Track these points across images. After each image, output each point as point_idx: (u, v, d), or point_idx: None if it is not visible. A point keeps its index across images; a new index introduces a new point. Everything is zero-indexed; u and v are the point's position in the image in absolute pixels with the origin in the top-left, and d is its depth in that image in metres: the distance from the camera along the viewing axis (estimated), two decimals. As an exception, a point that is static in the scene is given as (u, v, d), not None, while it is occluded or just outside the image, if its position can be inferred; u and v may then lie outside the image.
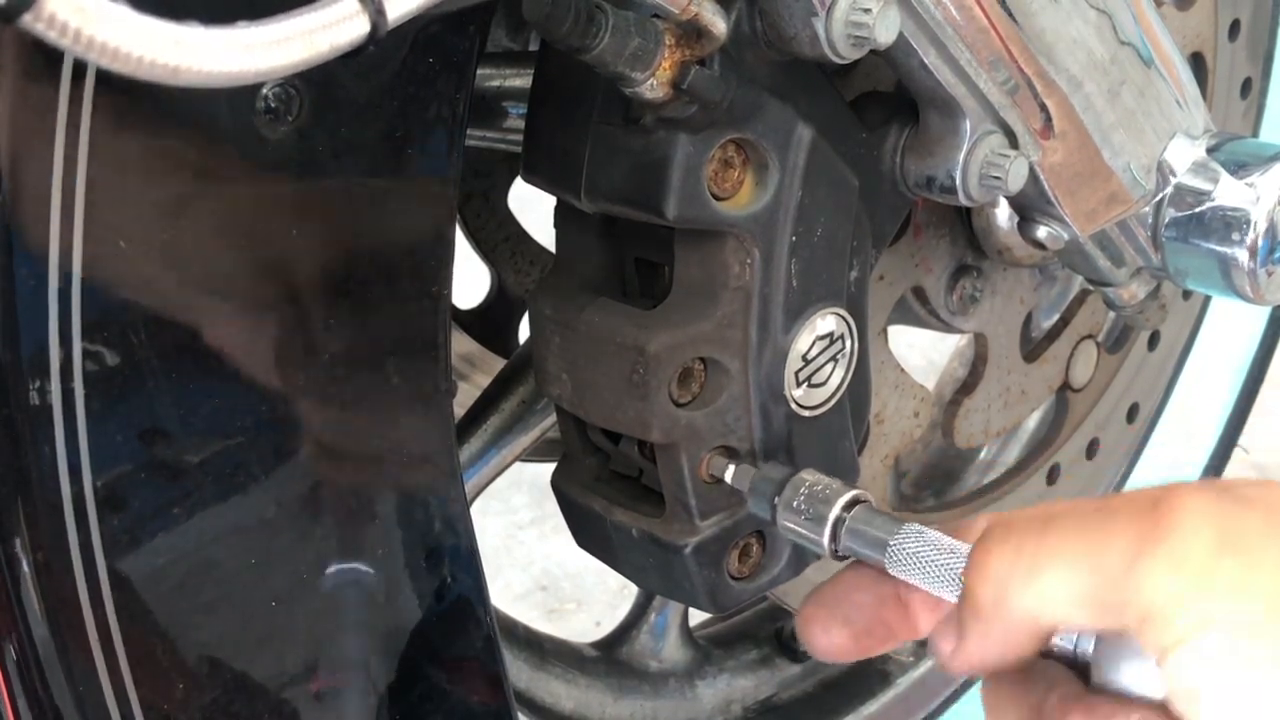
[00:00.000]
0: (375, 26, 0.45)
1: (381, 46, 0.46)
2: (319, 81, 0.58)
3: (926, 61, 0.69)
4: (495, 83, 0.87)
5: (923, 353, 1.82)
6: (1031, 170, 0.75)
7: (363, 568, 0.67)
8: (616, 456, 0.78)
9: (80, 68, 0.52)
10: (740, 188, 0.68)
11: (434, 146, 0.64)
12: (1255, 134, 1.19)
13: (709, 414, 0.72)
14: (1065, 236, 0.81)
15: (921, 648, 1.21)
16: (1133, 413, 1.22)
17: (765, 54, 0.66)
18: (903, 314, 0.93)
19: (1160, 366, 1.24)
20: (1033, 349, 1.05)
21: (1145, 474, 1.32)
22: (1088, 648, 0.57)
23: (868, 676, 1.18)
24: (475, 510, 0.74)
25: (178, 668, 0.61)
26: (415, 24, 0.60)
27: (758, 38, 0.65)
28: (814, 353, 0.73)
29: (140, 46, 0.38)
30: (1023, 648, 0.54)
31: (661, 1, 0.60)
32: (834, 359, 0.75)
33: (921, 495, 1.23)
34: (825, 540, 0.67)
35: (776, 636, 1.16)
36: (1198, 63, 1.05)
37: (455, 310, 1.12)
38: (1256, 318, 1.37)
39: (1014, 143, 0.74)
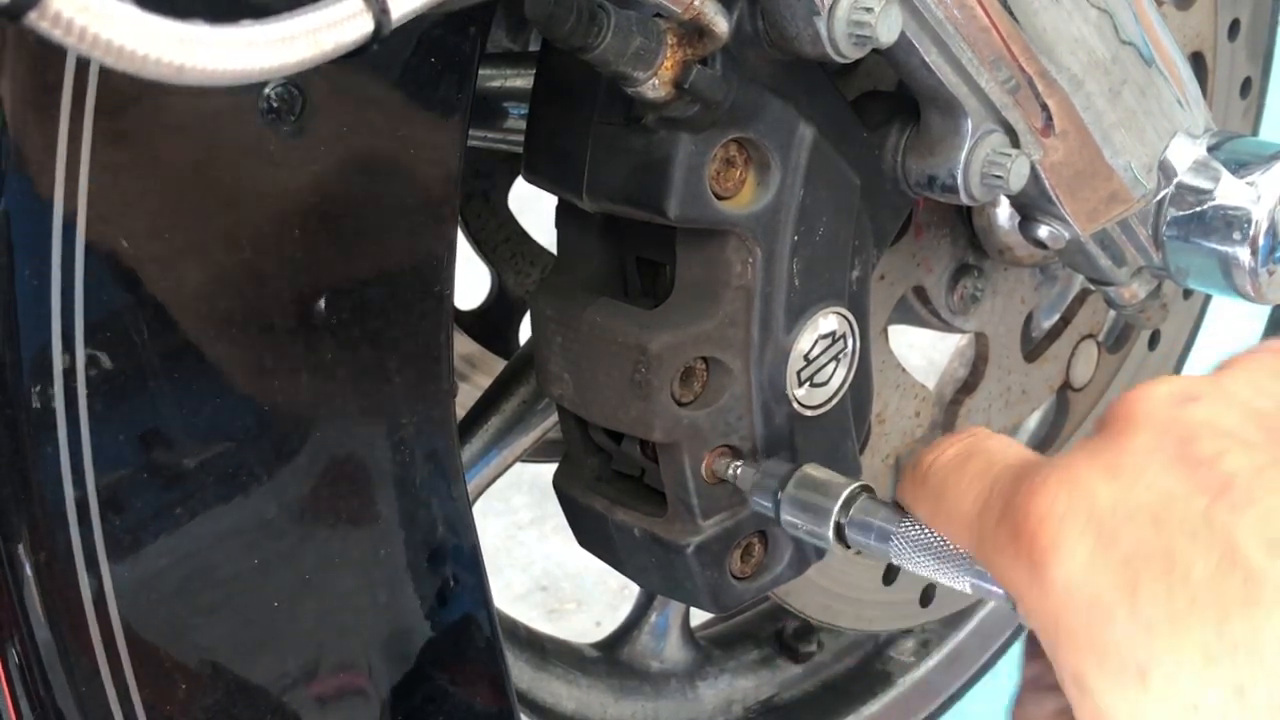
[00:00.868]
0: (379, 26, 0.45)
1: (384, 46, 0.46)
2: (321, 81, 0.58)
3: (928, 61, 0.69)
4: (496, 83, 0.87)
5: (923, 352, 1.82)
6: (1033, 169, 0.75)
7: (365, 569, 0.67)
8: (618, 456, 0.78)
9: (84, 67, 0.52)
10: (742, 187, 0.68)
11: (436, 146, 0.64)
12: (1255, 133, 1.19)
13: (711, 413, 0.72)
14: (1066, 236, 0.81)
15: (924, 648, 1.21)
16: (1133, 412, 1.21)
17: (767, 53, 0.66)
18: (904, 313, 0.93)
19: (1161, 366, 1.24)
20: (1033, 349, 1.05)
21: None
22: None
23: (869, 677, 1.18)
24: (475, 510, 0.74)
25: (180, 669, 0.61)
26: (418, 24, 0.60)
27: (759, 37, 0.65)
28: (816, 352, 0.73)
29: (145, 45, 0.38)
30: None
31: (663, 1, 0.60)
32: (836, 358, 0.75)
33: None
34: (829, 533, 0.67)
35: (778, 637, 1.16)
36: (1198, 62, 1.05)
37: (456, 311, 1.12)
38: (1257, 317, 1.36)
39: (1015, 142, 0.74)
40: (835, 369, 0.75)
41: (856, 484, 0.67)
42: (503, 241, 1.18)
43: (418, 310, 0.66)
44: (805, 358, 0.73)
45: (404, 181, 0.63)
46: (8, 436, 0.55)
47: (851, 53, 0.64)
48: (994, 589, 0.60)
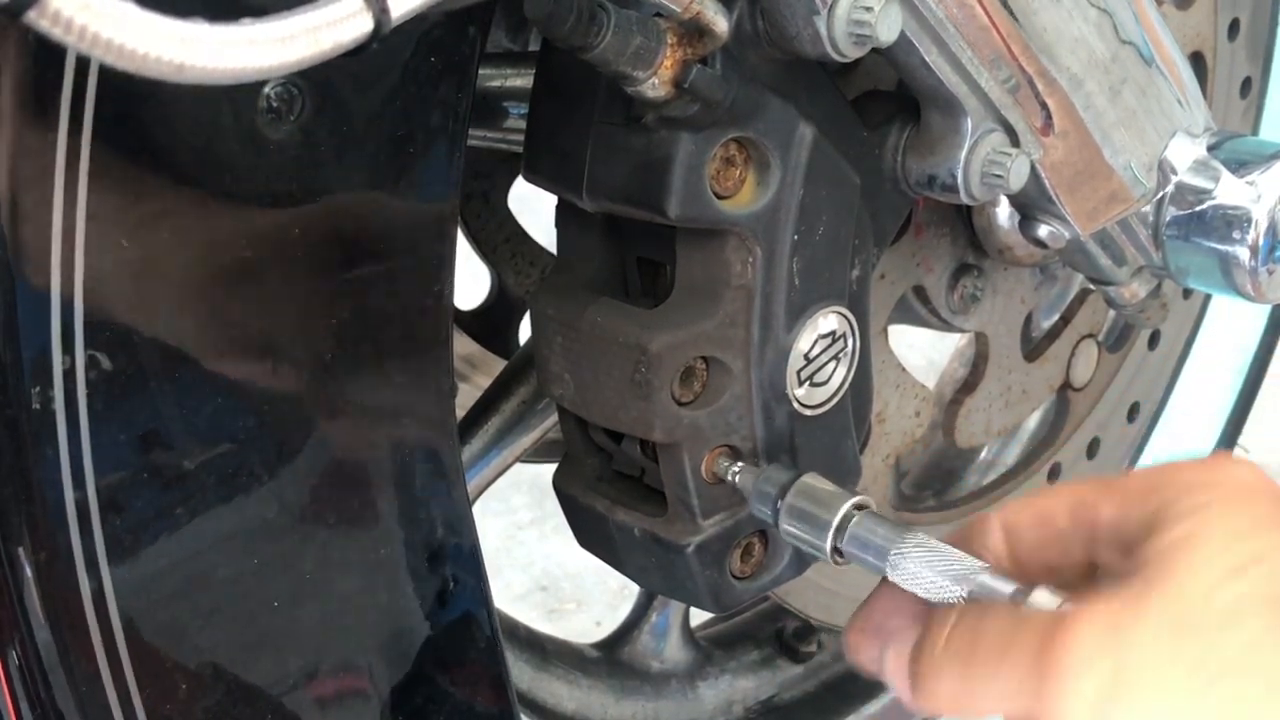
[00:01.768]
0: (378, 25, 0.44)
1: (384, 45, 0.46)
2: (321, 81, 0.58)
3: (928, 60, 0.69)
4: (496, 83, 0.87)
5: (923, 352, 1.82)
6: (1032, 169, 0.75)
7: (365, 569, 0.67)
8: (618, 456, 0.78)
9: (83, 66, 0.52)
10: (742, 186, 0.68)
11: (435, 146, 0.64)
12: (1255, 133, 1.19)
13: (711, 413, 0.72)
14: (1066, 235, 0.81)
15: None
16: (1133, 412, 1.22)
17: (767, 53, 0.66)
18: (904, 313, 0.93)
19: (1161, 366, 1.24)
20: (1033, 348, 1.05)
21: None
22: None
23: (869, 677, 1.18)
24: (475, 510, 0.73)
25: (180, 670, 0.61)
26: (417, 24, 0.60)
27: (759, 36, 0.65)
28: (816, 351, 0.73)
29: (145, 43, 0.38)
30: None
31: (663, 0, 0.60)
32: (836, 358, 0.75)
33: (922, 495, 1.23)
34: (828, 547, 0.67)
35: (778, 637, 1.16)
36: (1198, 62, 1.05)
37: (456, 311, 1.12)
38: (1257, 317, 1.37)
39: (1015, 141, 0.74)
40: (835, 368, 0.75)
41: (855, 498, 0.67)
42: (503, 241, 1.18)
43: (417, 310, 0.65)
44: (805, 357, 0.73)
45: (404, 181, 0.63)
46: (8, 437, 0.55)
47: (851, 52, 0.64)
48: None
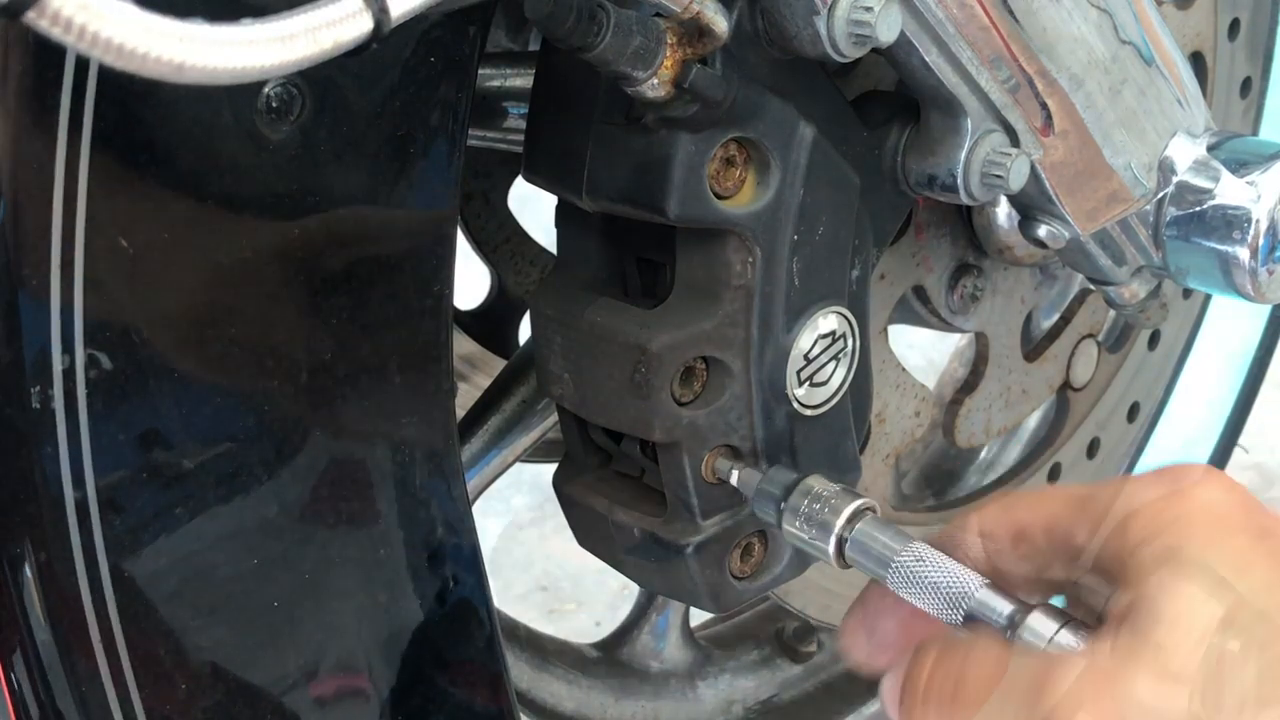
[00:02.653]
0: (379, 24, 0.44)
1: (384, 46, 0.46)
2: (321, 81, 0.58)
3: (928, 60, 0.69)
4: (495, 83, 0.87)
5: (923, 352, 1.82)
6: (1032, 169, 0.75)
7: (364, 569, 0.67)
8: (618, 456, 0.78)
9: (83, 66, 0.52)
10: (742, 186, 0.68)
11: (435, 146, 0.64)
12: (1255, 133, 1.19)
13: (711, 413, 0.72)
14: (1066, 235, 0.81)
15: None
16: (1133, 412, 1.22)
17: (767, 53, 0.66)
18: (904, 313, 0.93)
19: (1161, 366, 1.24)
20: (1033, 348, 1.05)
21: (1146, 473, 1.32)
22: None
23: (869, 677, 1.18)
24: (475, 510, 0.73)
25: (180, 670, 0.61)
26: (417, 24, 0.60)
27: (759, 36, 0.65)
28: (816, 351, 0.73)
29: (145, 43, 0.38)
30: None
31: (663, 0, 0.60)
32: (836, 358, 0.75)
33: (922, 495, 1.23)
34: (830, 551, 0.67)
35: (778, 637, 1.16)
36: (1197, 62, 1.05)
37: (456, 311, 1.12)
38: (1256, 317, 1.37)
39: (1015, 141, 0.74)
40: (835, 369, 0.75)
41: (859, 502, 0.67)
42: (503, 242, 1.18)
43: (418, 310, 0.65)
44: (805, 357, 0.73)
45: (403, 181, 0.63)
46: (8, 437, 0.55)
47: (851, 52, 0.64)
48: (988, 630, 0.59)
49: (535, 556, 1.85)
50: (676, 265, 0.71)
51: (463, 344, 1.17)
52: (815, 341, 0.73)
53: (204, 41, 0.40)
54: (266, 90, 0.57)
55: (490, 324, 1.20)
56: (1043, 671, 0.53)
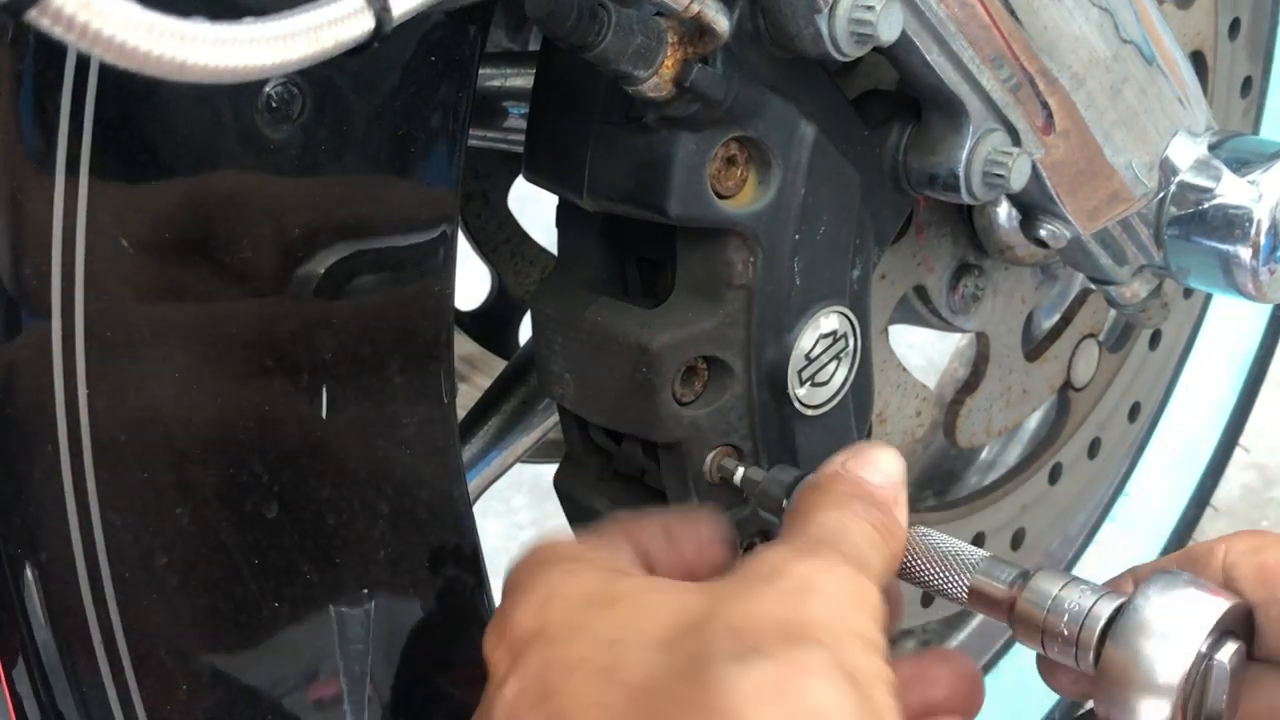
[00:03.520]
0: (379, 24, 0.44)
1: (385, 45, 0.46)
2: (321, 81, 0.58)
3: (929, 59, 0.69)
4: (496, 83, 0.87)
5: (923, 352, 1.82)
6: (1034, 168, 0.75)
7: (365, 569, 0.67)
8: (619, 456, 0.78)
9: (84, 65, 0.52)
10: (743, 186, 0.68)
11: (436, 146, 0.64)
12: (1255, 132, 1.19)
13: (712, 413, 0.71)
14: (1067, 235, 0.80)
15: (925, 648, 1.21)
16: (1134, 412, 1.21)
17: (768, 52, 0.65)
18: (905, 313, 0.92)
19: (1162, 365, 1.23)
20: (1034, 348, 1.05)
21: (1148, 473, 1.32)
22: (1088, 658, 0.56)
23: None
24: (475, 510, 0.73)
25: (181, 670, 0.61)
26: (418, 24, 0.60)
27: (760, 35, 0.65)
28: (817, 351, 0.73)
29: (146, 42, 0.38)
30: None
31: (664, -1, 0.60)
32: (837, 357, 0.75)
33: (922, 495, 1.23)
34: None
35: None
36: (1198, 61, 1.05)
37: (456, 311, 1.12)
38: (1257, 316, 1.37)
39: (1016, 140, 0.74)
40: (836, 368, 0.75)
41: None
42: (503, 242, 1.18)
43: (417, 310, 0.65)
44: (806, 357, 0.73)
45: (404, 182, 0.63)
46: (8, 437, 0.55)
47: (853, 51, 0.64)
48: (992, 594, 0.60)
49: (535, 557, 1.84)
50: (677, 265, 0.71)
51: (463, 344, 1.17)
52: (816, 341, 0.73)
53: (205, 40, 0.40)
54: (267, 90, 0.57)
55: (490, 324, 1.20)
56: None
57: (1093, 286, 0.96)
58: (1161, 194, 0.82)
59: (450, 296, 0.67)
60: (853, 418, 0.78)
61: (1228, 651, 0.55)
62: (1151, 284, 0.91)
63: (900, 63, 0.70)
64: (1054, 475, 1.15)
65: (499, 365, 1.00)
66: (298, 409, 0.62)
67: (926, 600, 1.08)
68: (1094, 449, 1.18)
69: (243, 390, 0.60)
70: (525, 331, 1.17)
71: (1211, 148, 0.82)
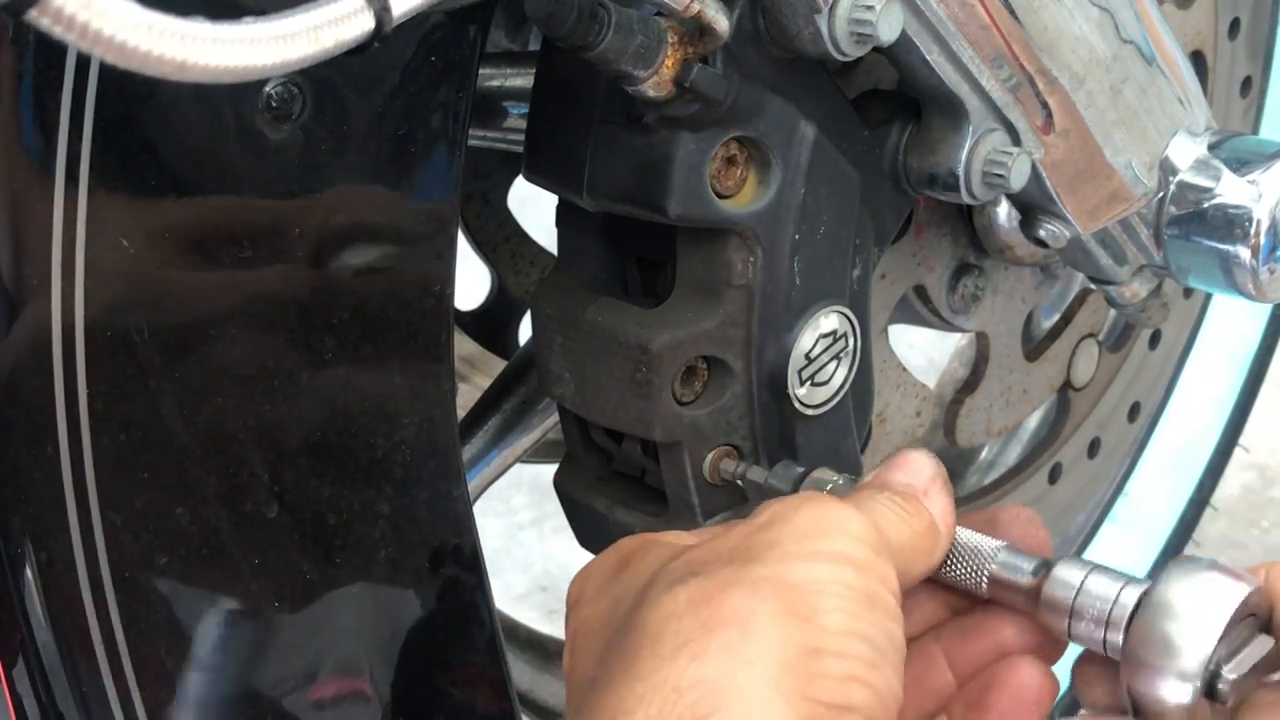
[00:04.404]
0: (380, 23, 0.44)
1: (385, 45, 0.46)
2: (321, 81, 0.58)
3: (929, 59, 0.69)
4: (495, 82, 0.87)
5: (923, 352, 1.82)
6: (1033, 168, 0.75)
7: (365, 569, 0.67)
8: (619, 456, 0.78)
9: (84, 64, 0.52)
10: (743, 186, 0.68)
11: (436, 146, 0.64)
12: (1255, 132, 1.19)
13: (712, 413, 0.71)
14: (1067, 235, 0.80)
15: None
16: (1134, 412, 1.21)
17: (768, 52, 0.65)
18: (904, 313, 0.92)
19: (1161, 365, 1.24)
20: (1034, 348, 1.05)
21: (1148, 473, 1.32)
22: (1116, 640, 0.57)
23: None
24: (475, 510, 0.73)
25: (181, 671, 0.61)
26: (418, 24, 0.60)
27: (760, 35, 0.65)
28: (817, 351, 0.73)
29: (147, 41, 0.38)
30: None
31: (664, -1, 0.60)
32: (837, 357, 0.75)
33: (923, 495, 1.23)
34: None
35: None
36: (1198, 61, 1.05)
37: (456, 311, 1.12)
38: (1257, 316, 1.37)
39: (1016, 140, 0.74)
40: (836, 368, 0.75)
41: None
42: (503, 241, 1.18)
43: (418, 310, 0.65)
44: (806, 357, 0.73)
45: (404, 181, 0.63)
46: (8, 436, 0.55)
47: (853, 51, 0.64)
48: (1015, 583, 0.60)
49: (535, 556, 1.84)
50: (677, 265, 0.71)
51: (463, 344, 1.17)
52: (816, 341, 0.73)
53: (206, 40, 0.40)
54: (267, 90, 0.57)
55: (490, 324, 1.20)
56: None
57: (1093, 286, 0.96)
58: (1161, 194, 0.82)
59: (450, 296, 0.67)
60: (853, 417, 0.78)
61: (1251, 633, 0.56)
62: (1151, 284, 0.91)
63: (900, 63, 0.70)
64: (1054, 475, 1.15)
65: (499, 365, 1.01)
66: (298, 409, 0.62)
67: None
68: (1094, 449, 1.18)
69: (242, 390, 0.60)
70: (525, 331, 1.17)
71: (1211, 147, 0.82)
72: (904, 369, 0.93)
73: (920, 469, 0.61)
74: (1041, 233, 0.81)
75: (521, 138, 0.73)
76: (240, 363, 0.60)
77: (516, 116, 0.88)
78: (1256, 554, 1.73)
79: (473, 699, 0.74)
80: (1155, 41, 0.78)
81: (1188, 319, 1.25)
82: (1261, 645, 0.56)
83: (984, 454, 1.23)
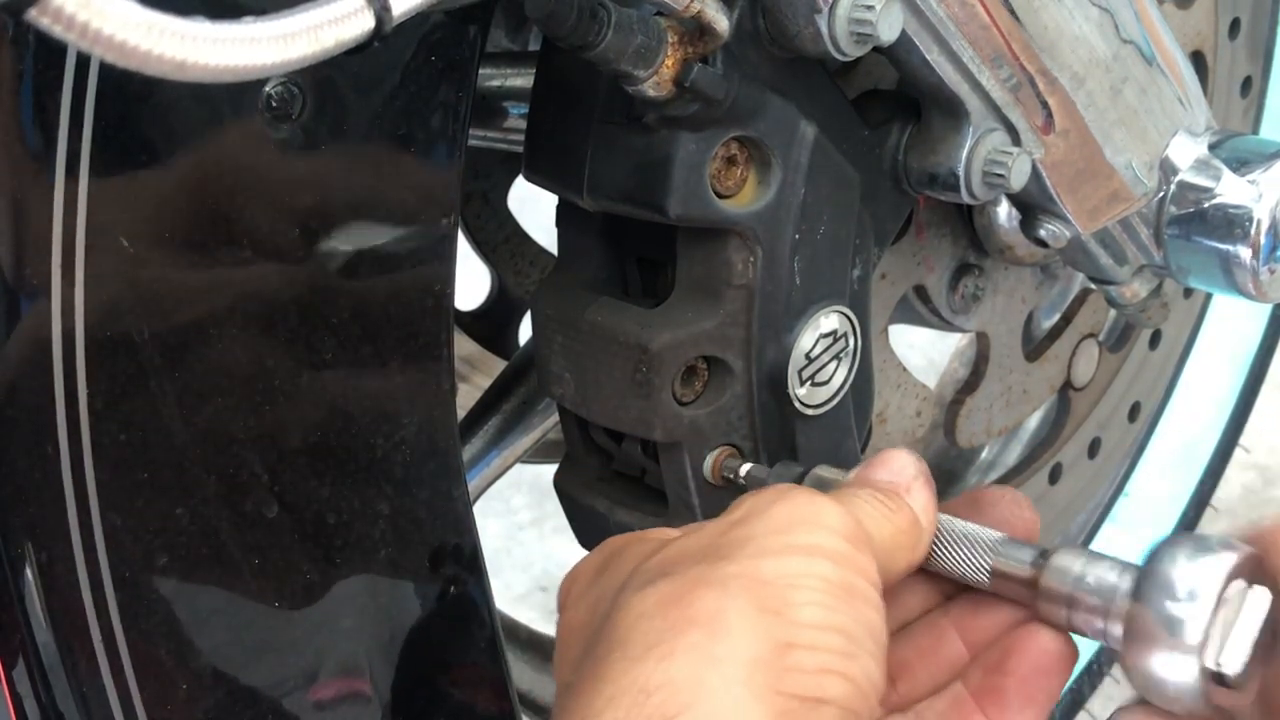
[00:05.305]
0: (380, 23, 0.44)
1: (385, 45, 0.46)
2: (321, 80, 0.58)
3: (929, 59, 0.69)
4: (495, 82, 0.87)
5: (923, 352, 1.82)
6: (1033, 168, 0.75)
7: (365, 569, 0.67)
8: (619, 456, 0.78)
9: (84, 64, 0.52)
10: (743, 186, 0.68)
11: (436, 146, 0.64)
12: (1255, 132, 1.19)
13: (712, 413, 0.71)
14: (1067, 234, 0.80)
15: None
16: (1134, 412, 1.21)
17: (768, 51, 0.65)
18: (905, 313, 0.92)
19: (1162, 365, 1.23)
20: (1034, 348, 1.05)
21: (1148, 473, 1.32)
22: (1115, 631, 0.56)
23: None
24: (475, 510, 0.73)
25: (181, 671, 0.61)
26: (418, 23, 0.60)
27: (760, 35, 0.65)
28: (817, 351, 0.73)
29: (147, 41, 0.38)
30: None
31: (664, -1, 0.60)
32: (837, 357, 0.75)
33: (923, 495, 1.23)
34: None
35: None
36: (1198, 61, 1.05)
37: (456, 311, 1.12)
38: (1257, 316, 1.36)
39: (1016, 140, 0.74)
40: (836, 368, 0.75)
41: None
42: (503, 242, 1.18)
43: (418, 310, 0.65)
44: (807, 357, 0.73)
45: (404, 181, 0.63)
46: (9, 436, 0.55)
47: (853, 51, 0.64)
48: (1015, 574, 0.59)
49: (535, 556, 1.84)
50: (677, 265, 0.71)
51: (463, 344, 1.17)
52: (816, 341, 0.73)
53: (205, 39, 0.40)
54: (267, 89, 0.57)
55: (490, 324, 1.20)
56: None
57: (1093, 286, 0.96)
58: (1161, 194, 0.82)
59: (450, 296, 0.67)
60: (853, 417, 0.78)
61: (1251, 598, 0.54)
62: (1151, 284, 0.91)
63: (900, 62, 0.70)
64: (1054, 475, 1.15)
65: (499, 365, 1.01)
66: (297, 409, 0.62)
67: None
68: (1094, 449, 1.18)
69: (242, 390, 0.60)
70: (525, 331, 1.17)
71: (1211, 147, 0.82)
72: (904, 369, 0.93)
73: (902, 466, 0.61)
74: (1042, 233, 0.81)
75: (521, 138, 0.73)
76: (240, 362, 0.60)
77: (516, 116, 0.88)
78: (1257, 554, 1.72)
79: (473, 699, 0.73)
80: (1155, 41, 0.78)
81: (1188, 319, 1.25)
82: (1259, 601, 0.54)
83: (984, 454, 1.23)
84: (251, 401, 0.61)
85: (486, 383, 0.93)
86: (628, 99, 0.65)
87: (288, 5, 0.43)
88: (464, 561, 0.70)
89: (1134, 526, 1.33)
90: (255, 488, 0.61)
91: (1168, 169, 0.82)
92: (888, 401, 0.92)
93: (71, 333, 0.54)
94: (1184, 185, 0.82)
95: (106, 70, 0.52)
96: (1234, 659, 0.53)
